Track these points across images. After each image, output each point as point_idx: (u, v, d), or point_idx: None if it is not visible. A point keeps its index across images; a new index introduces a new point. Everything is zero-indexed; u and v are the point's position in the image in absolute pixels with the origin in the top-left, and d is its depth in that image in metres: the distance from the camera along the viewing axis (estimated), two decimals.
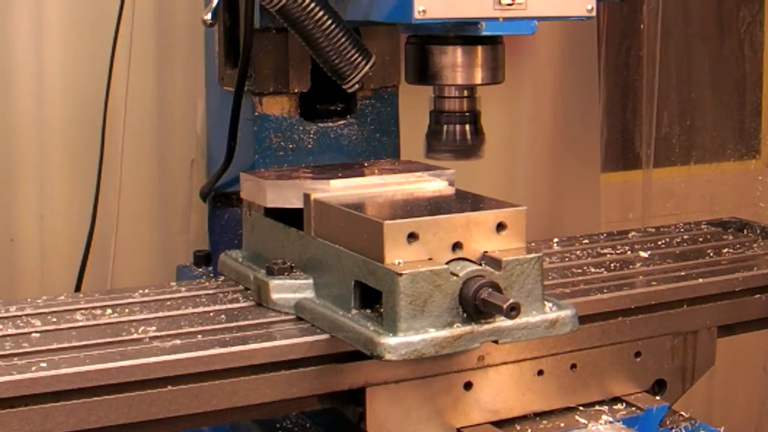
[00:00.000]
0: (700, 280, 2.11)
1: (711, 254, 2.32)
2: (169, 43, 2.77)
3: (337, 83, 1.94)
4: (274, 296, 1.88)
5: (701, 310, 2.11)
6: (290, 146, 2.21)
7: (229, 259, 2.08)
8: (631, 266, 2.21)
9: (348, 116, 2.27)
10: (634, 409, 2.02)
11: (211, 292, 2.01)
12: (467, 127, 1.98)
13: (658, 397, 2.09)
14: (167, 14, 2.76)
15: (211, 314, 1.88)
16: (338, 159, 2.23)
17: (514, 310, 1.60)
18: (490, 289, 1.63)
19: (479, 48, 1.92)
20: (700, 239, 2.46)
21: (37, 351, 1.67)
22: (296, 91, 2.20)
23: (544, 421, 1.96)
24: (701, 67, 3.71)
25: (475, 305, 1.64)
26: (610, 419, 1.98)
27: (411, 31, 1.93)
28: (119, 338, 1.74)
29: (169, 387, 1.66)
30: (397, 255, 1.67)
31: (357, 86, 1.94)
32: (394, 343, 1.61)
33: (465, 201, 1.86)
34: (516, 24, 1.84)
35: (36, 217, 2.68)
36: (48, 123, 2.66)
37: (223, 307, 1.93)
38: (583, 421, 1.97)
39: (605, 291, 2.01)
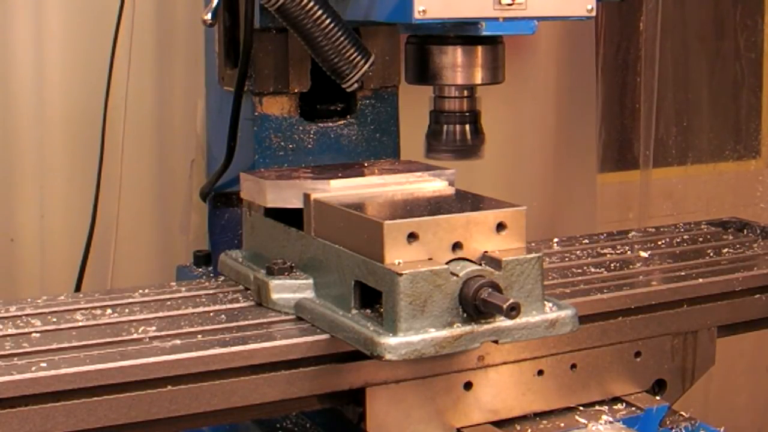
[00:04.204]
0: (700, 280, 2.11)
1: (711, 254, 2.32)
2: (169, 43, 2.77)
3: (337, 83, 1.94)
4: (274, 296, 1.88)
5: (701, 310, 2.11)
6: (290, 146, 2.21)
7: (229, 259, 2.08)
8: (631, 266, 2.21)
9: (348, 116, 2.27)
10: (634, 409, 2.03)
11: (211, 292, 2.01)
12: (467, 127, 1.98)
13: (658, 397, 2.09)
14: (167, 14, 2.76)
15: (211, 314, 1.88)
16: (338, 159, 2.23)
17: (514, 310, 1.60)
18: (490, 289, 1.64)
19: (479, 48, 1.92)
20: (700, 239, 2.46)
21: (37, 351, 1.68)
22: (296, 91, 2.20)
23: (544, 421, 1.96)
24: (699, 67, 3.71)
25: (475, 305, 1.64)
26: (610, 419, 1.98)
27: (411, 31, 1.93)
28: (119, 338, 1.74)
29: (169, 387, 1.66)
30: (397, 255, 1.67)
31: (356, 85, 1.94)
32: (394, 343, 1.61)
33: (465, 201, 1.86)
34: (516, 24, 1.84)
35: (36, 217, 2.68)
36: (48, 123, 2.66)
37: (223, 307, 1.93)
38: (583, 421, 1.97)
39: (605, 291, 2.01)
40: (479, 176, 2.82)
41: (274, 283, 1.89)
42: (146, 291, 2.01)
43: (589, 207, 3.37)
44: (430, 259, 1.69)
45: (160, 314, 1.87)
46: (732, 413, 3.84)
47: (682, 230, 2.56)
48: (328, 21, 1.87)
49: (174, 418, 1.68)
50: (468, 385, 1.90)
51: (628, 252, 2.33)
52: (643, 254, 2.30)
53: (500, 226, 1.74)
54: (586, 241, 2.43)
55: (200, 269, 2.46)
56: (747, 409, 3.91)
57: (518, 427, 1.94)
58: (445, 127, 1.98)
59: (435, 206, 1.81)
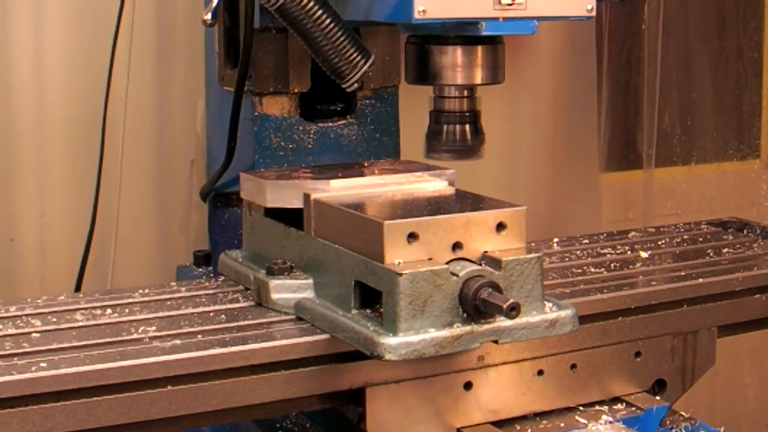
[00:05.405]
0: (700, 280, 2.11)
1: (711, 254, 2.32)
2: (169, 43, 2.77)
3: (336, 83, 1.94)
4: (274, 296, 1.88)
5: (701, 310, 2.11)
6: (290, 146, 2.21)
7: (229, 259, 2.08)
8: (631, 266, 2.21)
9: (348, 116, 2.27)
10: (634, 409, 2.02)
11: (211, 292, 2.01)
12: (467, 127, 1.98)
13: (658, 397, 2.09)
14: (167, 14, 2.76)
15: (211, 314, 1.88)
16: (338, 159, 2.23)
17: (514, 310, 1.60)
18: (490, 289, 1.63)
19: (479, 48, 1.92)
20: (700, 239, 2.46)
21: (37, 351, 1.68)
22: (296, 91, 2.20)
23: (544, 421, 1.96)
24: (702, 66, 3.71)
25: (475, 305, 1.64)
26: (610, 419, 1.98)
27: (411, 31, 1.93)
28: (119, 338, 1.74)
29: (169, 387, 1.66)
30: (397, 255, 1.67)
31: (356, 85, 1.94)
32: (394, 343, 1.61)
33: (465, 201, 1.86)
34: (516, 24, 1.84)
35: (36, 217, 2.68)
36: (48, 123, 2.66)
37: (223, 307, 1.93)
38: (583, 421, 1.97)
39: (605, 291, 2.01)
40: (479, 176, 2.82)
41: (274, 283, 1.89)
42: (146, 291, 2.01)
43: (591, 207, 3.37)
44: (430, 259, 1.68)
45: (160, 314, 1.87)
46: (738, 412, 3.84)
47: (682, 230, 2.56)
48: (328, 21, 1.87)
49: (174, 418, 1.68)
50: (468, 385, 1.90)
51: (628, 252, 2.33)
52: (643, 254, 2.30)
53: (500, 226, 1.74)
54: (586, 241, 2.43)
55: (200, 269, 2.46)
56: (754, 407, 3.91)
57: (518, 427, 1.94)
58: (445, 127, 1.98)
59: (435, 206, 1.81)
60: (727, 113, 3.79)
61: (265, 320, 1.84)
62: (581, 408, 2.01)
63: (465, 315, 1.66)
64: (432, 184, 1.95)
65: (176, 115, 2.80)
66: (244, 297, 1.97)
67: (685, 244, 2.42)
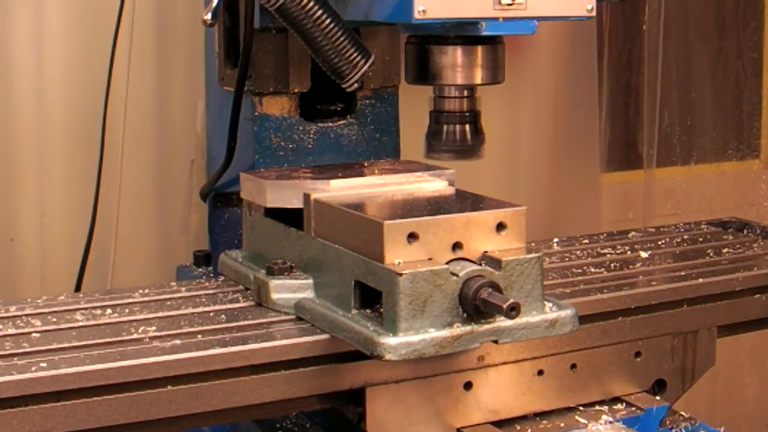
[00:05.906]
0: (700, 280, 2.11)
1: (711, 254, 2.32)
2: (169, 43, 2.77)
3: (336, 83, 1.94)
4: (274, 296, 1.88)
5: (701, 310, 2.11)
6: (290, 146, 2.21)
7: (229, 259, 2.08)
8: (631, 266, 2.21)
9: (348, 116, 2.27)
10: (634, 409, 2.03)
11: (211, 292, 2.01)
12: (467, 127, 1.98)
13: (658, 397, 2.09)
14: (167, 14, 2.76)
15: (211, 314, 1.88)
16: (338, 159, 2.23)
17: (514, 310, 1.60)
18: (490, 289, 1.63)
19: (479, 48, 1.92)
20: (700, 239, 2.46)
21: (37, 351, 1.68)
22: (296, 91, 2.20)
23: (544, 421, 1.96)
24: (702, 66, 3.71)
25: (475, 305, 1.64)
26: (610, 419, 1.98)
27: (411, 31, 1.93)
28: (119, 338, 1.74)
29: (169, 387, 1.66)
30: (397, 255, 1.67)
31: (356, 85, 1.94)
32: (394, 343, 1.61)
33: (465, 201, 1.86)
34: (516, 24, 1.84)
35: (36, 217, 2.68)
36: (48, 123, 2.66)
37: (223, 307, 1.93)
38: (583, 421, 1.97)
39: (605, 291, 2.01)
40: (479, 176, 2.82)
41: (274, 283, 1.89)
42: (146, 291, 2.01)
43: (591, 207, 3.37)
44: (430, 259, 1.68)
45: (160, 314, 1.87)
46: (738, 412, 3.84)
47: (682, 230, 2.56)
48: (328, 21, 1.87)
49: (174, 418, 1.68)
50: (468, 385, 1.90)
51: (628, 252, 2.33)
52: (643, 254, 2.30)
53: (500, 226, 1.74)
54: (586, 241, 2.43)
55: (200, 269, 2.46)
56: (754, 407, 3.91)
57: (518, 427, 1.94)
58: (445, 127, 1.98)
59: (435, 206, 1.81)
60: (727, 113, 3.79)
61: (265, 320, 1.84)
62: (581, 408, 2.01)
63: (465, 315, 1.66)
64: (432, 184, 1.95)
65: (176, 115, 2.80)
66: (244, 297, 1.97)
67: (685, 244, 2.42)
